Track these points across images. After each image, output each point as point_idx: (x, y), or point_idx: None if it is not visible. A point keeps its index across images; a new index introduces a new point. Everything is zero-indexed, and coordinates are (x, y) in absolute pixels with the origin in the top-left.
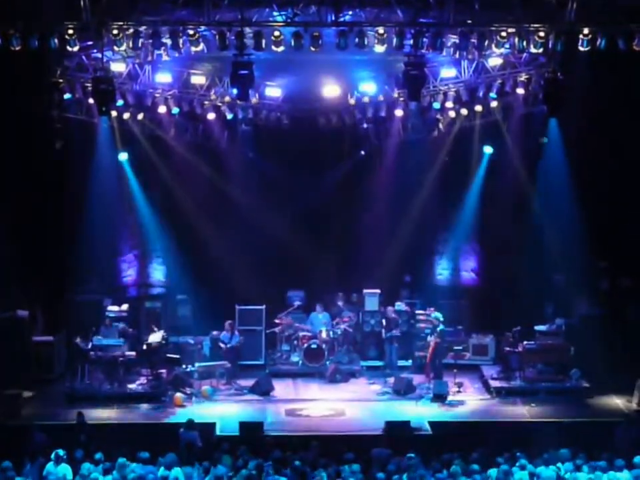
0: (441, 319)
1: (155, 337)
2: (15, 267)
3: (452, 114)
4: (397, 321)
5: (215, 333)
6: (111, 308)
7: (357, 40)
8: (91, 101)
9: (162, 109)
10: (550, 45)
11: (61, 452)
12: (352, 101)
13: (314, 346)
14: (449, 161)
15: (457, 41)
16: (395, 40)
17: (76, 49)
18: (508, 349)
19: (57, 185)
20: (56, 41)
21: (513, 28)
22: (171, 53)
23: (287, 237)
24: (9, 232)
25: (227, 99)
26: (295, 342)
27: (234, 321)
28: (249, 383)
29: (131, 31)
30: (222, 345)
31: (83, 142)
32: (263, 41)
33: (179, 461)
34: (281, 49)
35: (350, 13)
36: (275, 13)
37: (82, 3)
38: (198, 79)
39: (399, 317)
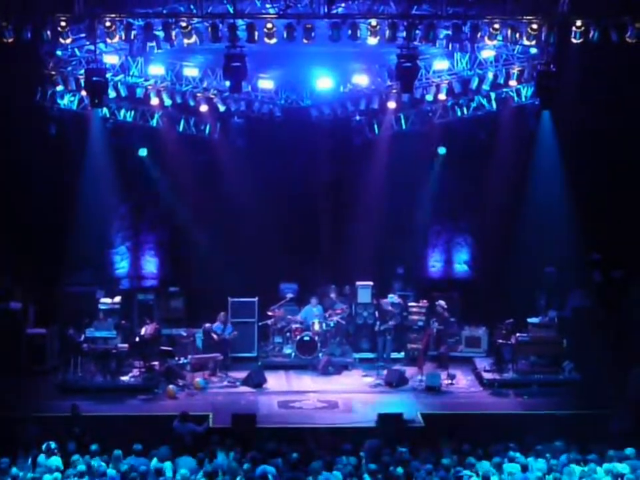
0: (445, 307)
1: (148, 330)
2: (7, 258)
3: (444, 106)
4: (390, 313)
5: (207, 325)
6: (103, 300)
7: (349, 32)
8: (83, 92)
9: (154, 101)
10: (543, 37)
11: (52, 444)
12: (344, 93)
13: (306, 338)
14: (441, 153)
15: (450, 33)
16: (387, 32)
17: (68, 41)
18: (501, 341)
19: (49, 176)
20: (48, 33)
21: (505, 20)
22: (163, 45)
23: (279, 229)
24: (0, 224)
25: (218, 91)
26: (288, 334)
27: (227, 313)
28: (242, 375)
29: (124, 23)
30: (214, 336)
31: (76, 134)
32: (256, 33)
33: (172, 453)
34: (274, 41)
35: (342, 5)
36: (268, 5)
37: None
38: (190, 71)
39: (392, 309)
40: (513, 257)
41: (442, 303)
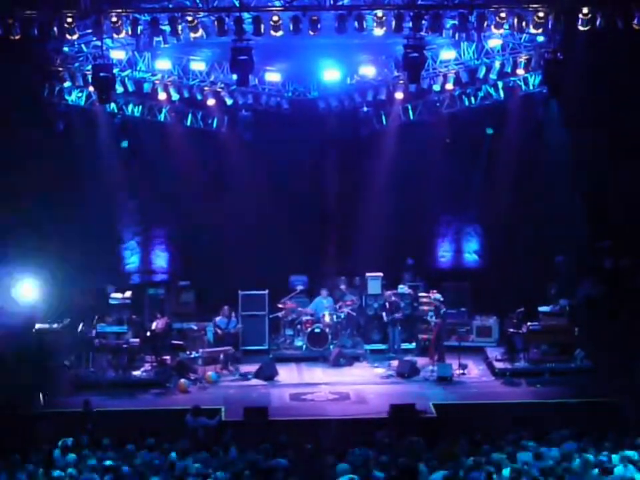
0: (441, 300)
1: (159, 324)
2: (17, 255)
3: (452, 96)
4: (400, 304)
5: (217, 318)
6: (114, 295)
7: (355, 23)
8: (91, 88)
9: (162, 96)
10: (549, 25)
11: (68, 441)
12: (352, 85)
13: (317, 330)
14: (450, 142)
15: (456, 22)
16: (393, 23)
17: (75, 37)
18: (512, 330)
19: (59, 172)
20: (55, 29)
21: (512, 8)
22: (170, 39)
23: (288, 221)
24: (11, 221)
25: (225, 84)
26: (299, 326)
27: (230, 307)
28: (253, 368)
29: (130, 18)
30: (218, 331)
31: (84, 129)
32: (262, 26)
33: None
34: (280, 33)
35: None
36: None
37: None
38: (197, 65)
39: (401, 300)
40: (522, 246)
41: (438, 296)
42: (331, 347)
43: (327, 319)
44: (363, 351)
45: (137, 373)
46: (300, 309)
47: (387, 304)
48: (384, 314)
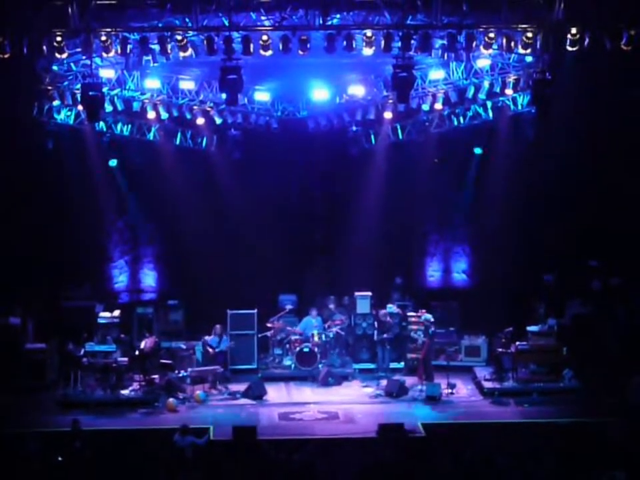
0: (432, 320)
1: (147, 343)
2: (5, 274)
3: (441, 115)
4: (389, 323)
5: (206, 337)
6: (102, 314)
7: (344, 43)
8: (80, 107)
9: (151, 115)
10: (538, 46)
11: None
12: (341, 104)
13: (306, 349)
14: (439, 162)
15: (445, 42)
16: (382, 42)
17: (64, 55)
18: (500, 350)
19: (47, 191)
20: (45, 48)
21: (500, 29)
22: (159, 58)
23: (277, 241)
24: None
25: (215, 103)
26: (287, 346)
27: (223, 326)
28: (242, 387)
29: (119, 37)
30: (210, 349)
31: (73, 148)
32: (251, 46)
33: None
34: (269, 53)
35: (337, 16)
36: (263, 17)
37: (70, 9)
38: (186, 84)
39: (390, 320)
40: (511, 266)
41: (428, 316)
42: (320, 366)
43: (316, 338)
44: (351, 370)
45: (125, 392)
46: (289, 328)
47: (379, 323)
48: (375, 333)
